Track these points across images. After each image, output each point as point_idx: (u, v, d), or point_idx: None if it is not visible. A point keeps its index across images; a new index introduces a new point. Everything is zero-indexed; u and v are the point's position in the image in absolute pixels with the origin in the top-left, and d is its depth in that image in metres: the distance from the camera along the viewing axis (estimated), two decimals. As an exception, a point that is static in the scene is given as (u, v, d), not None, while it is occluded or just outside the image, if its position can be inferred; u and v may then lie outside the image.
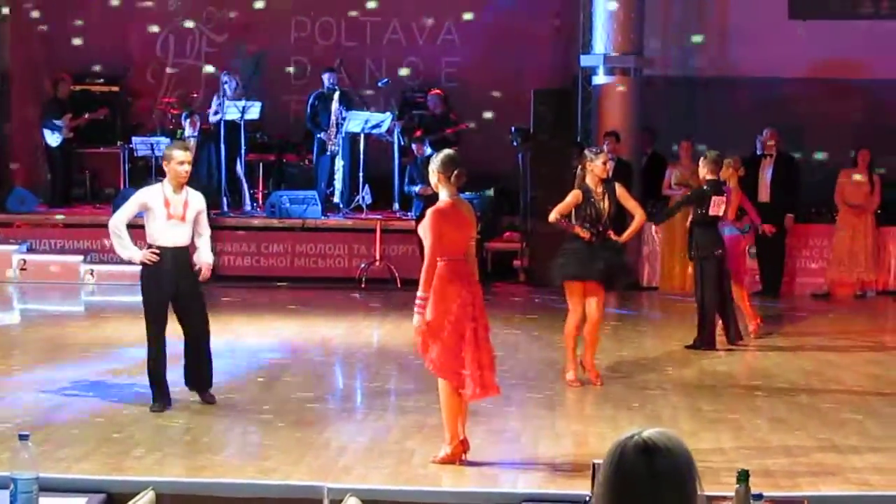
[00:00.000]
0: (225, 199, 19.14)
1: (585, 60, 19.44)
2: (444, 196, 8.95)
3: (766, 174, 17.67)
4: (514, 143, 19.04)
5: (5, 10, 20.91)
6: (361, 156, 18.97)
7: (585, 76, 19.66)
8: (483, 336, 8.98)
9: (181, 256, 10.41)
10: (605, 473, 3.10)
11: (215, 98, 19.39)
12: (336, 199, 19.16)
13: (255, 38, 21.08)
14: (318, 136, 19.27)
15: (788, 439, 9.84)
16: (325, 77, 19.51)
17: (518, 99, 19.93)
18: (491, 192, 19.45)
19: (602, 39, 19.01)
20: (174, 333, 10.60)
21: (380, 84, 20.23)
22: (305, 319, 15.43)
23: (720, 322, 13.71)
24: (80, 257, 18.22)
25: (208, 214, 18.12)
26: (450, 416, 8.93)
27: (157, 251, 10.23)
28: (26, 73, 21.18)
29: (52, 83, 20.46)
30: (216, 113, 19.12)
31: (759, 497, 4.57)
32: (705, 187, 13.43)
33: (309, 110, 19.75)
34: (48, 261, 18.26)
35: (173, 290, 10.33)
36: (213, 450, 9.38)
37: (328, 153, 19.17)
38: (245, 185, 19.31)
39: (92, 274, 17.96)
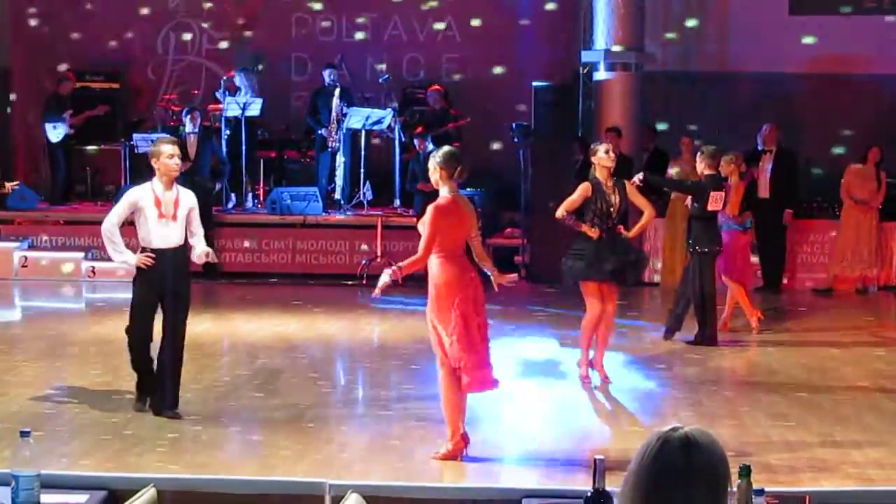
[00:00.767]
0: (233, 196, 19.14)
1: (586, 56, 19.43)
2: (444, 193, 8.95)
3: (765, 170, 17.66)
4: (515, 140, 19.03)
5: None
6: (362, 152, 18.98)
7: (586, 72, 19.66)
8: (484, 331, 8.98)
9: (174, 258, 10.11)
10: (643, 462, 3.12)
11: (224, 96, 19.37)
12: (337, 195, 19.15)
13: (255, 34, 21.08)
14: (319, 132, 19.26)
15: (790, 434, 9.85)
16: (326, 73, 19.51)
17: (518, 95, 19.92)
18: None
19: (603, 35, 19.00)
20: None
21: (380, 80, 20.22)
22: (306, 316, 15.43)
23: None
24: (81, 254, 18.21)
25: (210, 211, 18.27)
26: (450, 412, 8.93)
27: (152, 254, 9.98)
28: (27, 70, 21.18)
29: (53, 80, 20.45)
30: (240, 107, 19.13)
31: (760, 492, 4.57)
32: (703, 182, 13.43)
33: (309, 107, 19.76)
34: (49, 258, 18.26)
35: (164, 292, 10.07)
36: (215, 447, 9.38)
37: (329, 149, 19.16)
38: (244, 182, 19.29)
39: (93, 271, 17.95)
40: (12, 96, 21.24)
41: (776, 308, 16.24)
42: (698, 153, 13.76)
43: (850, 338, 14.44)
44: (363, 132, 19.02)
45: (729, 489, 3.17)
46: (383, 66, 20.81)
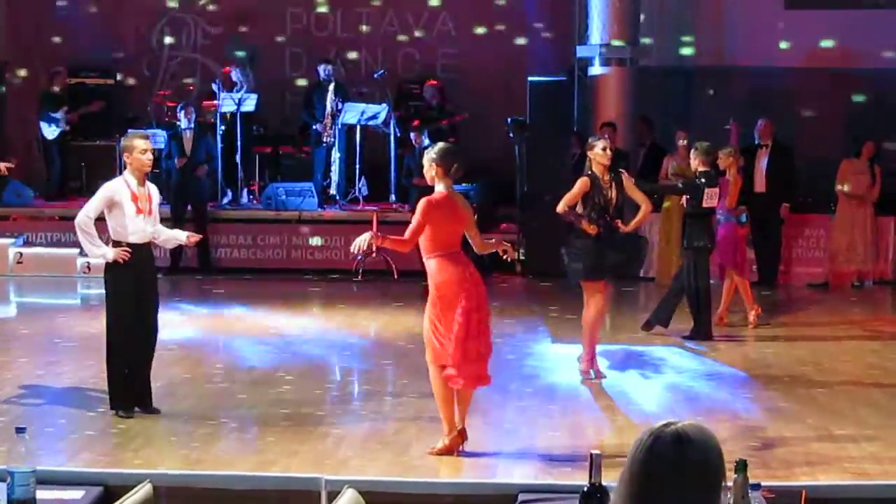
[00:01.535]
0: (229, 192, 19.13)
1: (581, 51, 19.43)
2: (440, 189, 8.95)
3: (761, 164, 17.67)
4: (511, 135, 19.02)
5: None
6: (358, 147, 18.97)
7: (581, 67, 19.65)
8: (483, 326, 8.97)
9: (146, 252, 10.10)
10: (636, 458, 3.12)
11: (220, 91, 19.36)
12: (332, 190, 19.14)
13: (250, 29, 21.06)
14: (315, 127, 19.25)
15: (785, 429, 9.85)
16: (321, 68, 19.51)
17: (514, 90, 19.91)
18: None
19: (598, 30, 18.99)
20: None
21: (376, 75, 20.21)
22: (302, 312, 15.42)
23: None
24: (77, 250, 18.18)
25: (205, 207, 18.27)
26: (445, 408, 8.93)
27: (128, 248, 9.91)
28: (21, 66, 21.14)
29: (47, 76, 20.43)
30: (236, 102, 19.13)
31: (756, 486, 4.58)
32: (698, 179, 13.44)
33: (305, 102, 19.76)
34: (44, 254, 18.24)
35: (141, 287, 9.98)
36: (210, 443, 9.38)
37: (324, 144, 19.15)
38: (240, 177, 19.28)
39: (88, 267, 17.92)
40: (6, 91, 21.19)
41: (774, 302, 16.26)
42: (692, 150, 13.78)
43: (846, 332, 14.46)
44: (358, 127, 19.02)
45: (723, 484, 3.16)
46: (378, 62, 20.82)
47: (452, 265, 8.85)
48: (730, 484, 4.52)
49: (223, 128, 19.16)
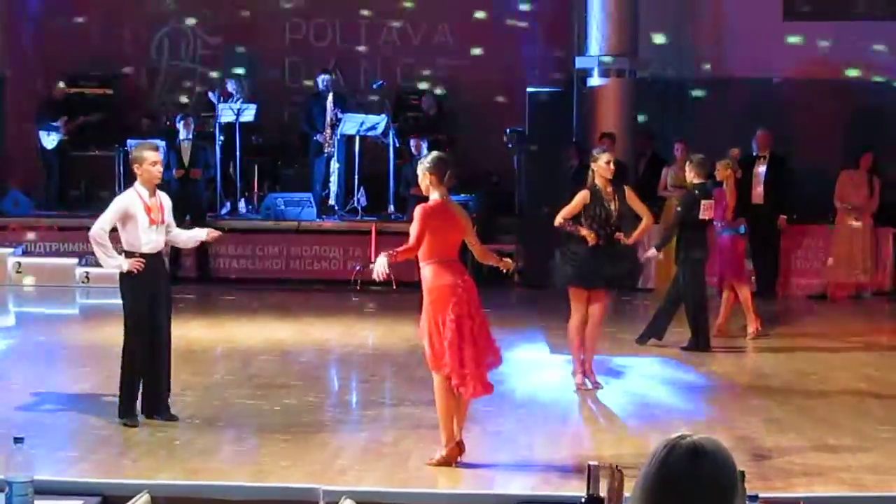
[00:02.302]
0: (227, 203, 19.13)
1: (580, 62, 19.46)
2: (434, 197, 8.96)
3: (759, 175, 17.68)
4: (509, 145, 19.04)
5: None
6: (357, 158, 18.99)
7: (580, 77, 19.68)
8: (481, 332, 8.96)
9: (159, 261, 10.19)
10: (650, 469, 3.12)
11: (217, 102, 19.38)
12: (331, 201, 19.16)
13: (249, 40, 21.08)
14: (315, 137, 19.27)
15: (783, 440, 9.85)
16: (319, 79, 19.54)
17: (513, 101, 19.95)
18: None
19: (597, 41, 19.03)
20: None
21: (374, 86, 20.23)
22: (300, 322, 15.42)
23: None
24: (76, 260, 18.21)
25: (204, 217, 18.29)
26: (445, 419, 8.93)
27: (142, 258, 9.94)
28: (21, 76, 21.17)
29: (46, 86, 20.45)
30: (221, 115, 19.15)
31: (754, 498, 4.58)
32: (694, 192, 13.47)
33: (304, 112, 19.78)
34: (43, 263, 18.25)
35: (155, 296, 10.05)
36: (209, 452, 9.37)
37: (324, 155, 19.18)
38: (238, 188, 19.29)
39: (87, 277, 17.94)
40: (5, 101, 21.22)
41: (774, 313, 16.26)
42: (687, 162, 13.82)
43: (844, 343, 14.46)
44: (357, 138, 19.04)
45: (737, 497, 3.16)
46: (377, 72, 20.84)
47: (446, 272, 8.86)
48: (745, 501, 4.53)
49: (222, 138, 19.17)
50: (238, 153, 19.12)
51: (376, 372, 12.60)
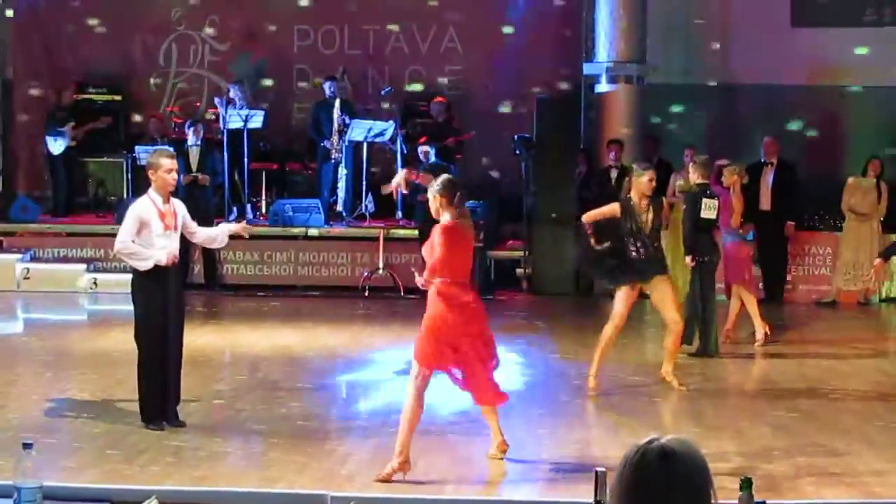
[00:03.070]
0: (235, 210, 19.12)
1: (588, 68, 19.46)
2: (447, 218, 8.95)
3: (766, 182, 17.68)
4: (517, 152, 19.04)
5: (9, 13, 21.01)
6: (364, 164, 19.00)
7: (588, 84, 19.68)
8: (481, 353, 8.97)
9: (173, 268, 10.15)
10: (623, 477, 3.12)
11: (221, 107, 19.39)
12: (339, 207, 19.16)
13: (258, 46, 21.10)
14: (322, 144, 19.28)
15: (791, 446, 9.84)
16: (326, 86, 19.55)
17: (521, 107, 19.95)
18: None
19: (605, 47, 19.04)
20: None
21: (382, 92, 20.24)
22: (308, 328, 15.43)
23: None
24: (84, 266, 18.23)
25: (212, 223, 18.27)
26: (407, 431, 8.82)
27: (174, 255, 10.02)
28: (29, 82, 21.20)
29: (54, 92, 20.49)
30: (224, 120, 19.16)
31: (761, 504, 4.58)
32: (696, 191, 13.49)
33: (311, 119, 19.80)
34: (51, 270, 18.27)
35: (168, 302, 10.07)
36: (217, 459, 9.38)
37: (332, 161, 19.18)
38: (245, 194, 19.28)
39: (95, 283, 17.96)
40: (14, 108, 21.26)
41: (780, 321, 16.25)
42: (691, 163, 13.86)
43: (852, 350, 14.44)
44: (365, 144, 19.05)
45: (713, 499, 3.15)
46: (385, 79, 20.86)
47: (456, 294, 8.87)
48: (734, 502, 4.52)
49: (230, 144, 19.16)
50: (246, 159, 19.12)
51: (383, 378, 12.60)
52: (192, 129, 18.60)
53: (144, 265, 10.01)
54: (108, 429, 10.05)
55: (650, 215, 11.54)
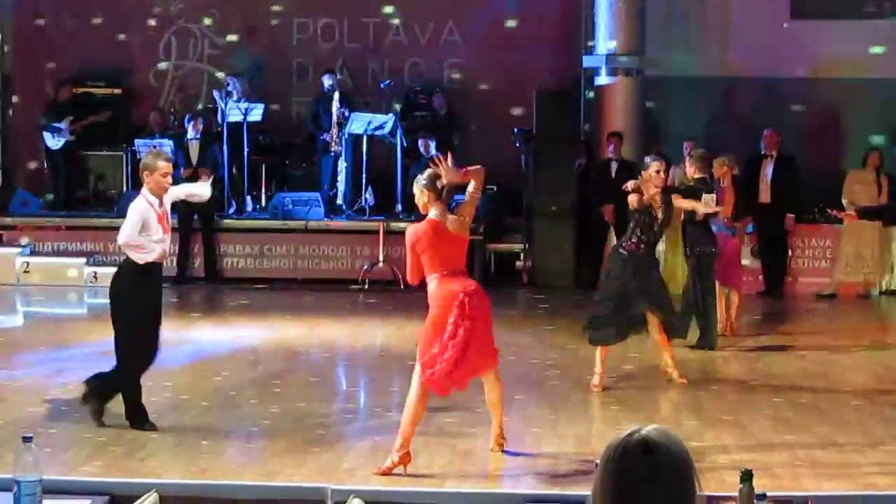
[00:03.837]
0: (233, 204, 19.10)
1: (588, 61, 19.46)
2: (432, 214, 8.96)
3: (766, 174, 17.67)
4: (517, 144, 19.04)
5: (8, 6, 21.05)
6: (364, 157, 18.99)
7: (588, 76, 19.67)
8: (477, 336, 8.91)
9: (159, 269, 10.11)
10: (605, 471, 3.11)
11: (220, 100, 19.37)
12: (339, 200, 19.16)
13: (257, 39, 21.09)
14: (322, 137, 19.27)
15: (791, 439, 9.84)
16: (325, 78, 19.54)
17: (520, 100, 19.94)
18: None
19: (604, 40, 19.03)
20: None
21: (382, 85, 20.23)
22: (308, 321, 15.42)
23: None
24: (83, 260, 18.23)
25: (211, 217, 18.27)
26: (409, 426, 8.82)
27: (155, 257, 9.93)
28: (28, 76, 21.19)
29: (53, 86, 20.47)
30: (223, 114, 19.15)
31: (762, 497, 4.57)
32: (694, 186, 13.45)
33: (311, 112, 19.79)
34: (51, 263, 18.27)
35: (154, 304, 10.00)
36: (217, 452, 9.38)
37: (331, 154, 19.17)
38: (246, 187, 19.27)
39: (95, 277, 17.95)
40: (14, 101, 21.25)
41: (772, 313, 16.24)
42: (688, 157, 13.81)
43: (853, 342, 14.44)
44: (365, 137, 19.03)
45: (698, 490, 3.14)
46: (385, 72, 20.85)
47: (452, 281, 8.86)
48: (735, 494, 4.52)
49: (229, 137, 19.14)
50: (245, 153, 19.10)
51: (383, 372, 12.60)
52: (192, 123, 18.60)
53: (147, 257, 9.95)
54: (108, 422, 10.02)
55: (661, 212, 11.53)
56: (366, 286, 17.77)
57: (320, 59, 20.73)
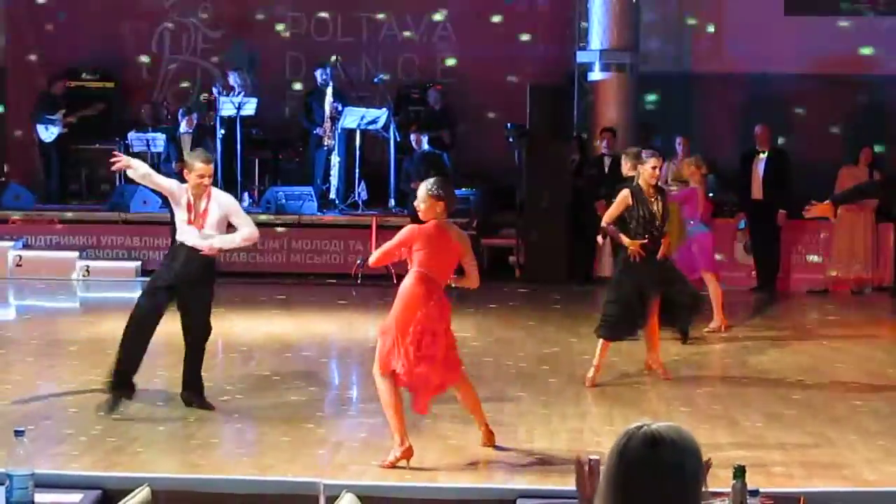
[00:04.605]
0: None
1: (581, 56, 19.46)
2: (438, 219, 8.96)
3: (758, 170, 17.67)
4: (510, 140, 19.03)
5: None
6: (357, 152, 18.97)
7: (581, 72, 19.67)
8: (440, 354, 8.89)
9: (193, 255, 10.16)
10: (611, 464, 3.13)
11: (220, 95, 19.34)
12: (332, 195, 19.15)
13: (250, 33, 21.06)
14: (315, 131, 19.26)
15: (784, 435, 9.85)
16: (318, 72, 19.53)
17: (514, 95, 19.93)
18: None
19: (598, 35, 19.02)
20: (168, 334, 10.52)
21: (376, 80, 20.21)
22: (301, 316, 15.42)
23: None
24: (76, 253, 18.21)
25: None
26: (395, 418, 8.81)
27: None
28: (21, 69, 21.16)
29: (46, 79, 20.44)
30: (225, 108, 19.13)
31: (755, 493, 4.58)
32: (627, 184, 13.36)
33: (304, 107, 19.78)
34: (43, 257, 18.25)
35: (173, 283, 10.15)
36: (209, 447, 9.38)
37: (324, 148, 19.16)
38: (239, 182, 19.24)
39: (87, 271, 17.94)
40: (7, 95, 21.22)
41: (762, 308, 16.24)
42: (623, 155, 13.47)
43: (845, 338, 14.45)
44: (358, 132, 19.02)
45: (702, 486, 3.15)
46: (378, 66, 20.83)
47: (425, 285, 8.85)
48: (728, 490, 4.53)
49: (223, 132, 19.14)
50: (239, 147, 19.08)
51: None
52: (185, 117, 18.57)
53: (136, 172, 10.33)
54: (101, 416, 10.02)
55: (659, 206, 11.52)
56: (358, 281, 17.75)
57: (314, 53, 20.70)
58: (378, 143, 19.68)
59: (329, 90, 19.14)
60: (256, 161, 19.84)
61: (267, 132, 20.47)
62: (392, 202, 19.13)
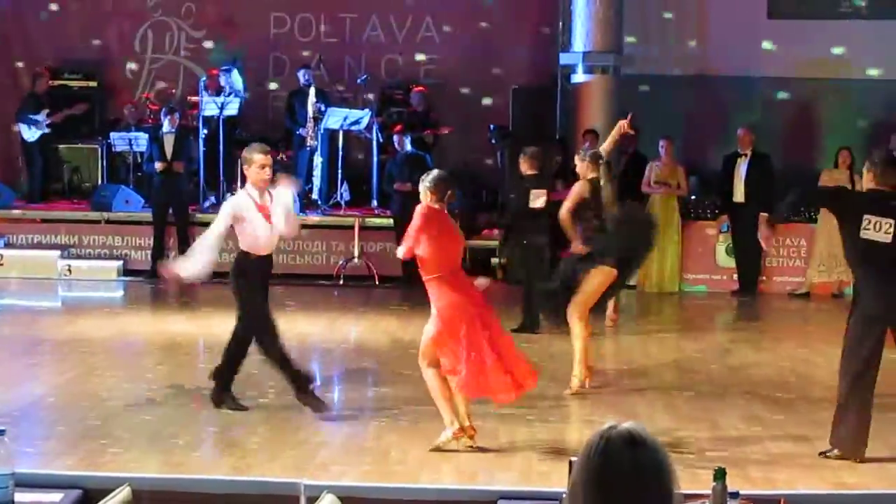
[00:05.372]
0: (212, 197, 19.01)
1: (564, 58, 19.46)
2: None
3: (740, 173, 17.70)
4: (493, 141, 19.03)
5: None
6: (340, 152, 18.96)
7: (564, 74, 19.68)
8: (500, 340, 9.14)
9: (269, 262, 10.46)
10: (588, 464, 3.11)
11: (206, 94, 19.31)
12: (314, 195, 19.13)
13: (234, 33, 21.03)
14: (298, 132, 19.25)
15: (765, 437, 9.87)
16: (300, 73, 19.52)
17: (497, 97, 19.94)
18: None
19: (581, 38, 19.04)
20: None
21: (359, 81, 20.20)
22: (283, 316, 15.33)
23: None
24: (58, 252, 18.16)
25: (187, 210, 18.19)
26: (444, 402, 9.10)
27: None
28: (4, 68, 21.09)
29: (29, 78, 20.39)
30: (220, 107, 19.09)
31: (735, 495, 4.58)
32: (525, 181, 14.00)
33: (287, 108, 19.76)
34: (25, 256, 18.20)
35: (265, 291, 10.44)
36: (190, 446, 9.36)
37: (307, 149, 19.15)
38: (221, 182, 19.20)
39: (69, 270, 17.90)
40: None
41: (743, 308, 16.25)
42: (521, 154, 14.15)
43: (826, 341, 14.45)
44: (341, 132, 19.01)
45: (676, 484, 3.15)
46: (361, 67, 20.82)
47: (454, 287, 8.97)
48: (708, 492, 4.53)
49: (206, 131, 19.12)
50: (221, 147, 19.05)
51: (358, 367, 12.59)
52: (168, 118, 18.54)
53: (187, 266, 10.43)
54: (82, 416, 10.01)
55: (608, 190, 11.62)
56: (341, 282, 17.74)
57: (297, 53, 20.69)
58: (361, 144, 19.66)
59: (312, 91, 19.12)
60: (239, 161, 19.76)
61: (250, 132, 20.44)
62: (374, 203, 19.12)
